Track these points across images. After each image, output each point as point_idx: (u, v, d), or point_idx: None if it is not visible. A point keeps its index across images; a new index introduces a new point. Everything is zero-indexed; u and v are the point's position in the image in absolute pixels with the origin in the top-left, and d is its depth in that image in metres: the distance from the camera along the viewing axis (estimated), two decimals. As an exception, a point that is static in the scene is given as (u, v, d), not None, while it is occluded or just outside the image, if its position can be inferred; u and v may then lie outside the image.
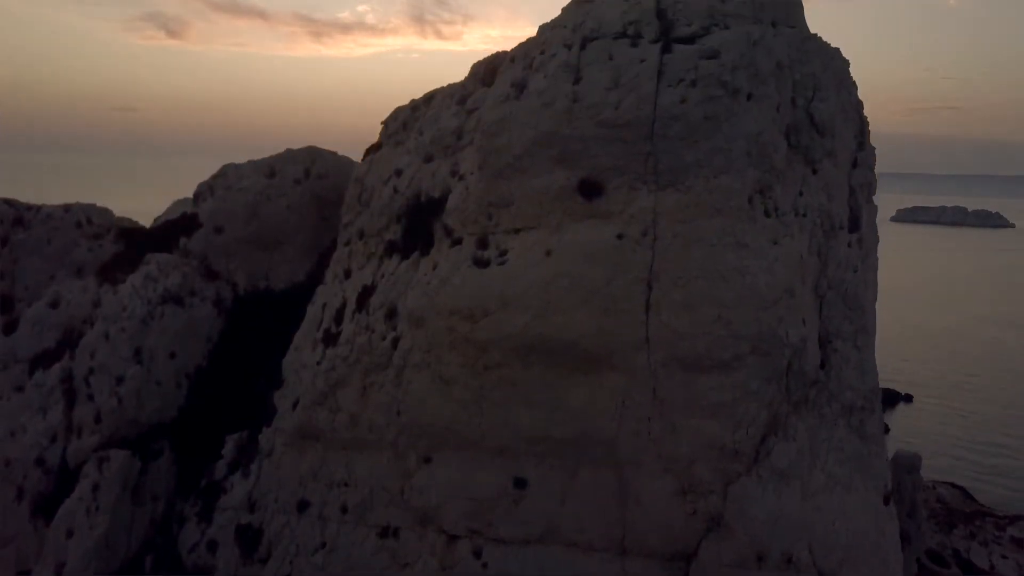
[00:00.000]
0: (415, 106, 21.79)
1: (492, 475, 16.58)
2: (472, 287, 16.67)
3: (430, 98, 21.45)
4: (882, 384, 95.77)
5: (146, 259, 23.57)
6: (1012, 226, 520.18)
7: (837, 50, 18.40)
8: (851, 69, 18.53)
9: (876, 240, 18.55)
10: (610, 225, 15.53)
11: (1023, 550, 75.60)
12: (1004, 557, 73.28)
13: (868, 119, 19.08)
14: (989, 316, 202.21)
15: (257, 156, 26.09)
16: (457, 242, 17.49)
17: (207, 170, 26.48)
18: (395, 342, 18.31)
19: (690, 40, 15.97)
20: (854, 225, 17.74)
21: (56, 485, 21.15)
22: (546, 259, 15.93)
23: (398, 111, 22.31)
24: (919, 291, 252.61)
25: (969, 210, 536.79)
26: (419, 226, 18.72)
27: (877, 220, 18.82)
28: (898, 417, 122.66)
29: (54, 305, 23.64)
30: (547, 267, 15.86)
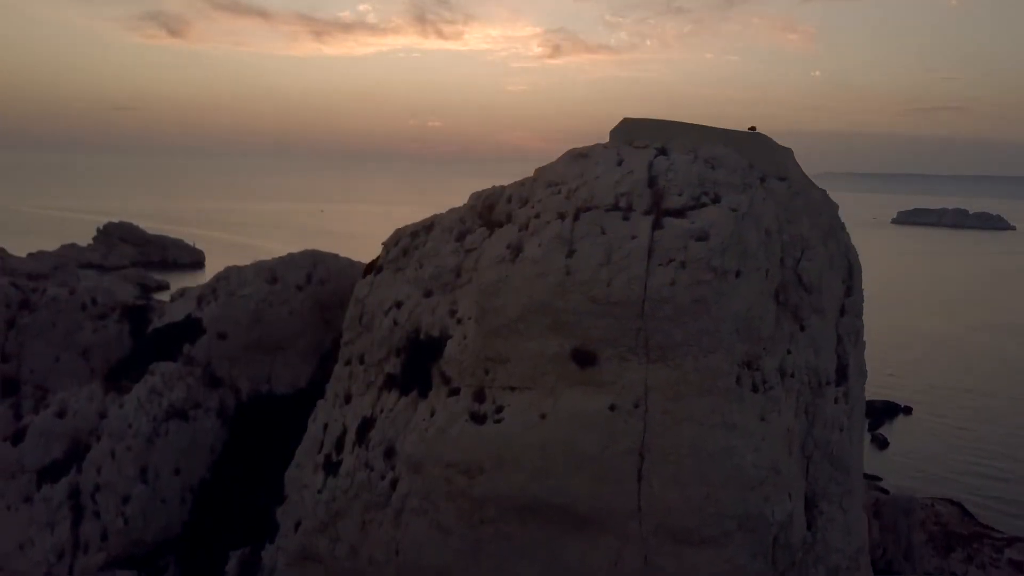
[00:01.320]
0: (415, 232, 22.28)
1: (490, 623, 17.05)
2: (469, 442, 17.15)
3: (430, 226, 21.97)
4: (881, 395, 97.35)
5: (151, 368, 24.00)
6: (1013, 228, 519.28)
7: (824, 195, 18.77)
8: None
9: (863, 377, 19.01)
10: (603, 394, 15.99)
11: (1021, 573, 75.87)
12: (1001, 580, 73.17)
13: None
14: (990, 323, 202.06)
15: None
16: (455, 392, 17.96)
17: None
18: (394, 483, 18.81)
19: (680, 213, 16.36)
20: (841, 376, 18.17)
21: (64, 602, 21.64)
22: (541, 422, 16.40)
23: (399, 234, 22.76)
24: (920, 296, 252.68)
25: (970, 212, 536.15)
26: (418, 366, 19.19)
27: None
28: (897, 430, 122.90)
29: (61, 415, 24.11)
30: (542, 431, 16.34)
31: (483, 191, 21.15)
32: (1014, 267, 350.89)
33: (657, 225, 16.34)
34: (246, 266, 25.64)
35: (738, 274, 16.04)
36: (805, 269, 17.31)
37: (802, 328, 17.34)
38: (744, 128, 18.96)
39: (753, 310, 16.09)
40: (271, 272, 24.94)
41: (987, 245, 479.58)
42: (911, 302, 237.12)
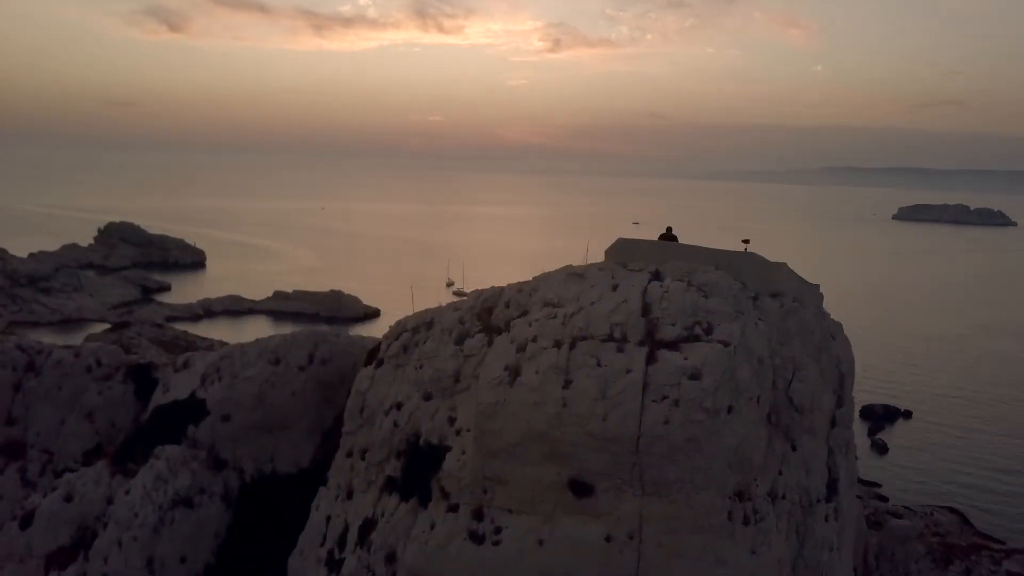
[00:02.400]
0: (416, 328, 22.72)
1: None
2: (468, 561, 17.60)
3: (430, 322, 22.42)
4: (882, 399, 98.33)
5: (156, 452, 24.39)
6: (1015, 224, 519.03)
7: (817, 309, 19.06)
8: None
9: (854, 485, 19.39)
10: (599, 525, 16.42)
11: (1019, 585, 76.11)
12: (1000, 592, 73.87)
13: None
14: (990, 324, 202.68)
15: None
16: (454, 508, 18.39)
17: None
18: (395, 590, 19.27)
19: (674, 345, 16.72)
20: (832, 490, 18.60)
21: None
22: (539, 548, 16.83)
23: (400, 327, 23.15)
24: (920, 295, 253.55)
25: (971, 208, 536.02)
26: (418, 474, 19.62)
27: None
28: (897, 434, 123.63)
29: (68, 499, 24.52)
30: (541, 557, 16.78)
31: (483, 291, 21.56)
32: (1014, 265, 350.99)
33: (651, 358, 16.73)
34: (249, 345, 25.97)
35: (730, 410, 16.46)
36: (796, 391, 17.70)
37: (793, 448, 17.78)
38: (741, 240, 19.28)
39: (745, 442, 16.52)
40: (274, 353, 25.35)
41: (988, 242, 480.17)
42: (912, 302, 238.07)
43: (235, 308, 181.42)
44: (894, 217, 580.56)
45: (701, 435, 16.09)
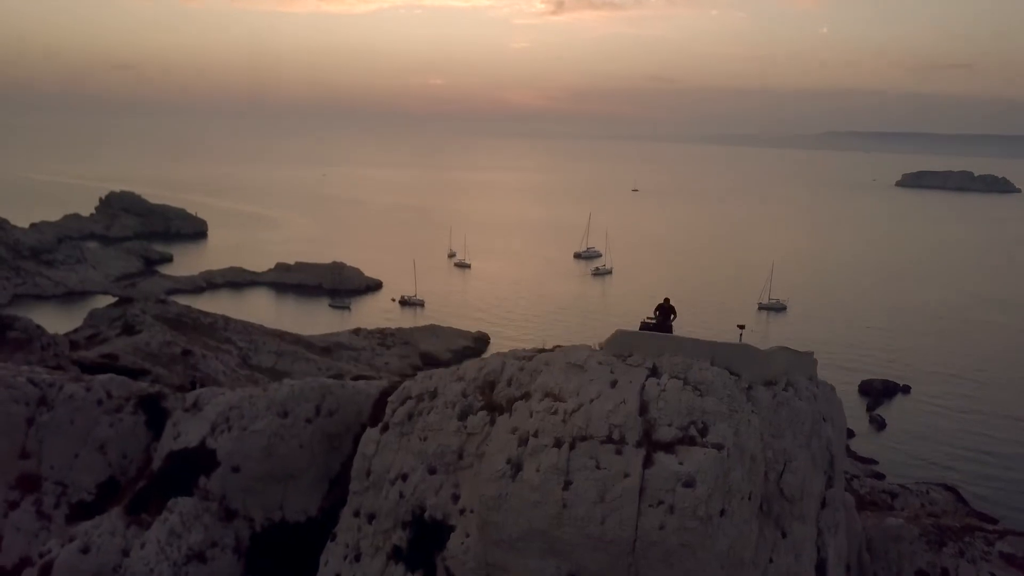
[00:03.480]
0: (420, 396, 23.36)
1: None
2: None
3: (434, 392, 22.98)
4: (881, 374, 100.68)
5: (170, 505, 25.11)
6: (1019, 191, 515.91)
7: (808, 400, 19.64)
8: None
9: (842, 563, 20.17)
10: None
11: (1012, 566, 77.99)
12: (992, 574, 75.75)
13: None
14: (991, 296, 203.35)
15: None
16: (458, 590, 19.13)
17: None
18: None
19: (670, 447, 17.55)
20: (820, 571, 19.42)
21: None
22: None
23: (405, 393, 23.88)
24: (922, 266, 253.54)
25: (976, 175, 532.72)
26: (423, 549, 20.61)
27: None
28: (895, 410, 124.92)
29: (85, 551, 25.11)
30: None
31: (486, 364, 22.33)
32: (1016, 234, 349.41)
33: (648, 461, 17.52)
34: (257, 396, 26.56)
35: (723, 512, 17.25)
36: (787, 482, 18.56)
37: (784, 535, 18.55)
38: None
39: (737, 542, 17.38)
40: (282, 406, 26.04)
41: (992, 210, 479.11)
42: (913, 272, 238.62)
43: (237, 280, 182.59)
44: (897, 184, 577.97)
45: (695, 541, 16.88)
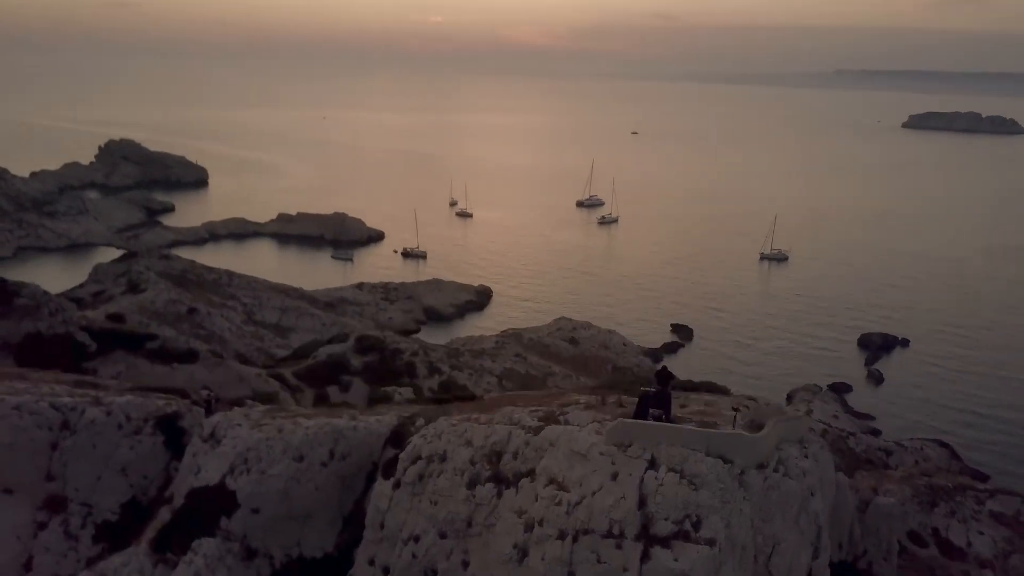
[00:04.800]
0: (430, 458, 24.49)
1: None
2: None
3: (443, 456, 24.14)
4: (880, 327, 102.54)
5: (194, 546, 26.45)
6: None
7: (798, 424, 20.41)
8: None
9: None
10: None
11: (1001, 525, 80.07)
12: (981, 533, 77.80)
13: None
14: (993, 245, 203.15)
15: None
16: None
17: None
18: None
19: (666, 542, 18.66)
20: None
21: None
22: None
23: (415, 453, 25.03)
24: (924, 213, 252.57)
25: (983, 116, 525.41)
26: None
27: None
28: (893, 364, 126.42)
29: None
30: None
31: (493, 433, 23.33)
32: (1019, 180, 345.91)
33: (646, 556, 18.62)
34: (274, 440, 27.80)
35: None
36: (776, 565, 19.68)
37: None
38: None
39: None
40: (297, 450, 27.26)
41: (998, 152, 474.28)
42: (915, 220, 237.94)
43: (239, 232, 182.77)
44: (904, 125, 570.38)
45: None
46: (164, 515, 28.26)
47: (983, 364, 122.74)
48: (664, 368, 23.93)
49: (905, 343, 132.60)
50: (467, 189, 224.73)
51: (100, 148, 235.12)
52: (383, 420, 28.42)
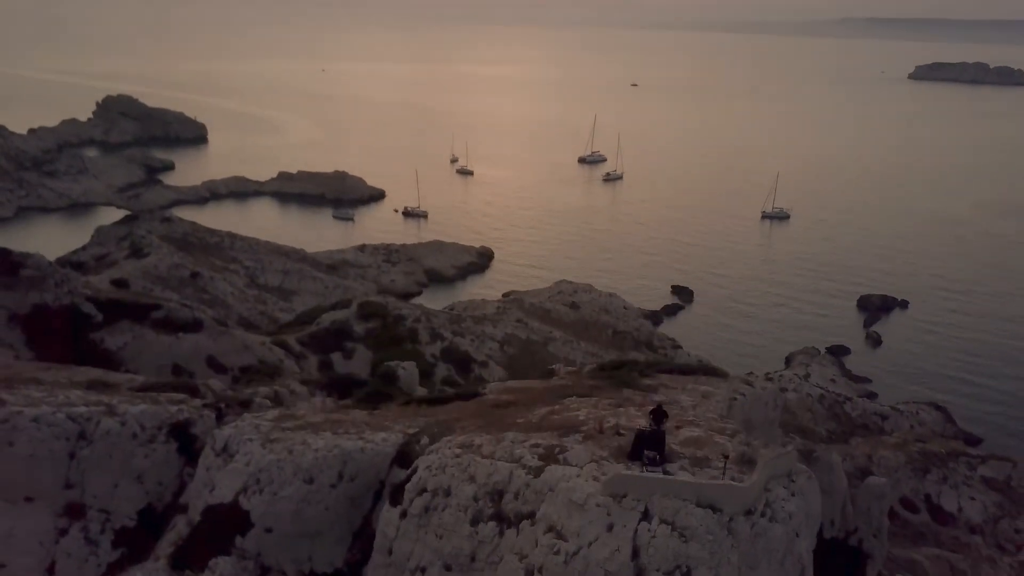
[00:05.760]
0: (435, 491, 25.46)
1: None
2: None
3: (448, 491, 25.10)
4: (880, 288, 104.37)
5: (211, 565, 28.05)
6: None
7: (789, 456, 21.93)
8: None
9: None
10: None
11: (992, 490, 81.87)
12: (972, 499, 79.52)
13: None
14: (995, 203, 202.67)
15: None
16: None
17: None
18: None
19: None
20: None
21: None
22: None
23: (421, 485, 25.99)
24: (927, 168, 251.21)
25: (991, 67, 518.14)
26: None
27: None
28: (892, 326, 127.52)
29: None
30: None
31: (496, 471, 24.33)
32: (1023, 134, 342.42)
33: None
34: (284, 462, 28.91)
35: None
36: None
37: None
38: None
39: None
40: (308, 473, 28.54)
41: (1005, 104, 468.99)
42: (917, 175, 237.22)
43: (240, 190, 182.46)
44: (910, 76, 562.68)
45: None
46: (181, 528, 29.57)
47: (981, 326, 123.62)
48: (659, 406, 24.89)
49: (904, 304, 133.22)
50: (467, 146, 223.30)
51: (98, 104, 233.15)
52: (389, 439, 29.42)
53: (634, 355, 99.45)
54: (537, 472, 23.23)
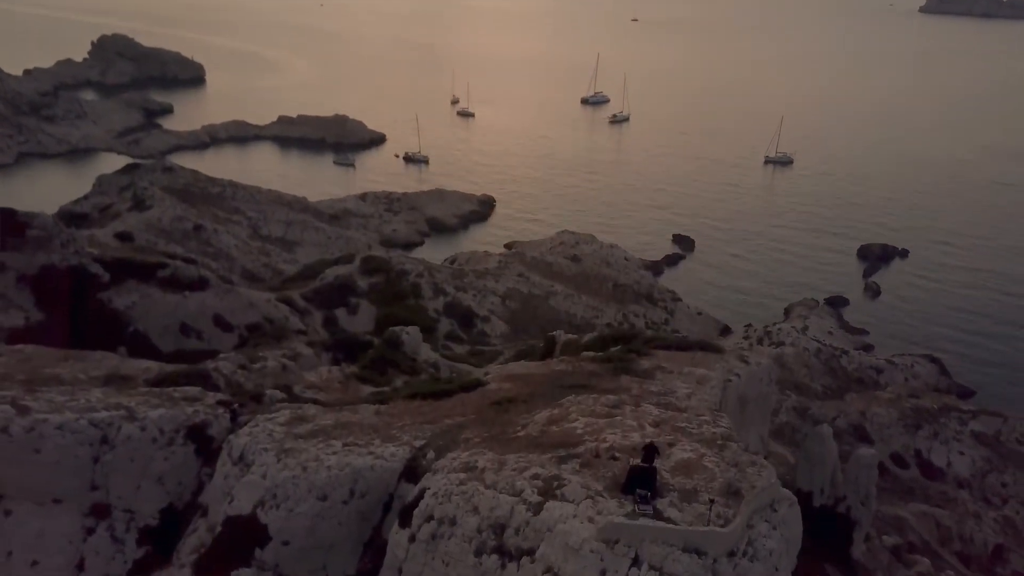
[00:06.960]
0: (441, 520, 26.59)
1: None
2: None
3: (453, 520, 26.22)
4: (881, 236, 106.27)
5: (233, 575, 29.28)
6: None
7: (772, 488, 23.58)
8: None
9: None
10: None
11: (981, 444, 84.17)
12: (961, 453, 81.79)
13: None
14: (1002, 147, 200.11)
15: None
16: None
17: None
18: None
19: None
20: None
21: None
22: None
23: (428, 512, 27.03)
24: (934, 110, 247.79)
25: (1003, 0, 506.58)
26: None
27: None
28: (891, 276, 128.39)
29: None
30: None
31: (498, 505, 25.46)
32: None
33: None
34: (299, 478, 30.46)
35: None
36: None
37: None
38: None
39: None
40: (321, 490, 30.24)
41: (1016, 41, 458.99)
42: (924, 118, 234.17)
43: (240, 135, 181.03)
44: (921, 10, 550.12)
45: None
46: (202, 534, 31.41)
47: (980, 277, 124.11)
48: (651, 443, 26.03)
49: (904, 254, 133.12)
50: (468, 86, 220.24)
51: (93, 44, 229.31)
52: (397, 454, 30.85)
53: (634, 308, 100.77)
54: (536, 509, 24.54)
